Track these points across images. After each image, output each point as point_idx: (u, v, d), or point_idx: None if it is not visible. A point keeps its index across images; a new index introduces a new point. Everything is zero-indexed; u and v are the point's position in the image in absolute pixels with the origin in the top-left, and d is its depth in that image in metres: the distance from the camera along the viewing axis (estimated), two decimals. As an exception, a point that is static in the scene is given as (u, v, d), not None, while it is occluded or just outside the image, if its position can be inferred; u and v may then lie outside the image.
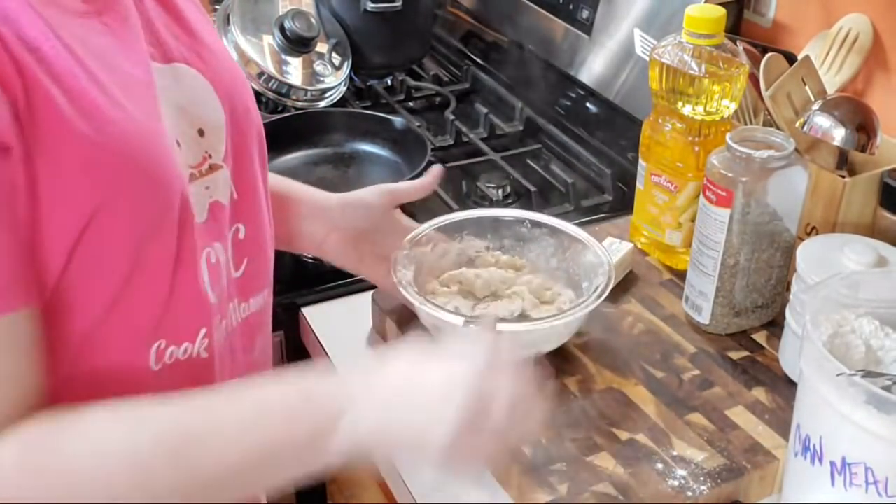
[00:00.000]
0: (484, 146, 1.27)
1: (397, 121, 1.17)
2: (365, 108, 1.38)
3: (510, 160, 1.23)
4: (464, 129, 1.31)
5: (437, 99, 1.44)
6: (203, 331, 0.69)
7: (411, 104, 1.43)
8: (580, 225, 0.94)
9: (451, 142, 1.30)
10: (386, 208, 0.92)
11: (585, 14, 1.32)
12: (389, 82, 1.47)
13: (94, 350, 0.63)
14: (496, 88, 1.44)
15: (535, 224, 0.92)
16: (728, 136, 0.83)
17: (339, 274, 1.02)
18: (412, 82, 1.44)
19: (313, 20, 1.32)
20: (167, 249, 0.65)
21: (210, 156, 0.71)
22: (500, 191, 1.19)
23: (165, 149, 0.64)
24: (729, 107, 0.89)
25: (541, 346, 0.82)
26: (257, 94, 1.29)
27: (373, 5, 1.34)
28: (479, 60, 1.53)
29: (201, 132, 0.70)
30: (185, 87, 0.70)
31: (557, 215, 1.09)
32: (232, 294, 0.74)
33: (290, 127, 1.19)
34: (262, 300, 0.79)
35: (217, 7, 1.35)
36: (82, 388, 0.63)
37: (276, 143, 1.18)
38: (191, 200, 0.66)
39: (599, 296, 0.80)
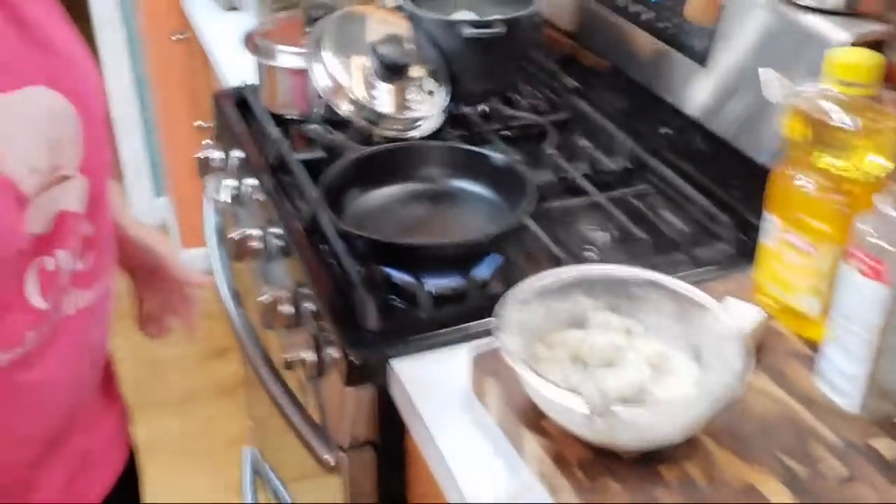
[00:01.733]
0: (586, 184, 1.18)
1: (497, 157, 1.10)
2: (459, 137, 1.31)
3: (615, 201, 1.14)
4: (564, 164, 1.23)
5: (534, 129, 1.36)
6: (29, 335, 0.75)
7: (506, 133, 1.36)
8: (694, 279, 0.86)
9: (551, 177, 1.22)
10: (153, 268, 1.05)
11: (701, 43, 1.23)
12: (485, 108, 1.40)
13: None
14: (598, 119, 1.36)
15: (651, 284, 0.84)
16: (877, 197, 0.74)
17: (433, 323, 0.96)
18: (508, 111, 1.36)
19: (409, 46, 1.25)
20: None
21: (61, 167, 0.74)
22: (605, 235, 1.11)
23: None
24: (883, 165, 0.79)
25: (667, 436, 0.74)
26: (347, 123, 1.24)
27: (471, 31, 1.27)
28: (578, 87, 1.45)
29: (55, 146, 0.73)
30: (38, 107, 0.72)
31: (668, 266, 1.01)
32: (73, 284, 0.79)
33: (383, 160, 1.12)
34: (103, 289, 0.85)
35: (309, 30, 1.29)
36: None
37: (368, 176, 1.12)
38: (25, 216, 0.71)
39: (741, 378, 0.72)
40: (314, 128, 1.23)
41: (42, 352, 0.78)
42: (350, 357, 0.92)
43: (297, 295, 1.10)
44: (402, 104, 1.26)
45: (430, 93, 1.30)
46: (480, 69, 1.34)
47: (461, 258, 0.99)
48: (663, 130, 1.32)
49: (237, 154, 1.37)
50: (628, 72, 1.40)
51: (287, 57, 1.28)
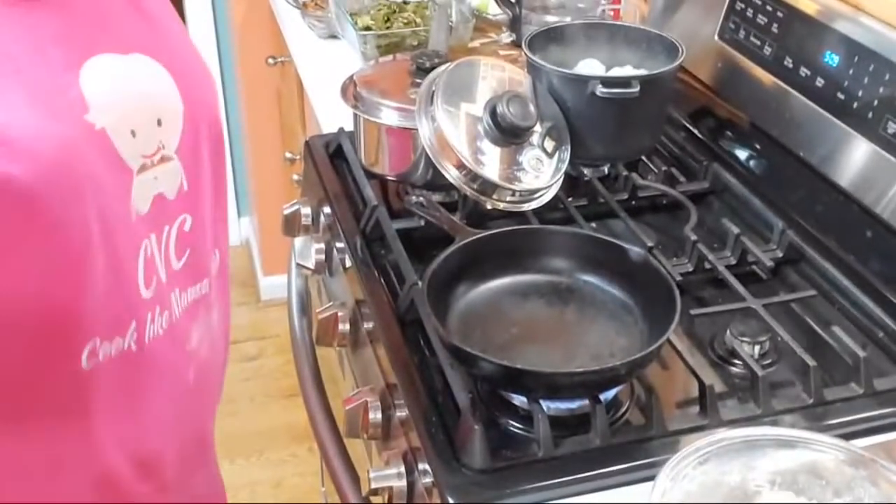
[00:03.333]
0: (735, 282, 0.99)
1: (634, 251, 0.92)
2: (578, 207, 1.14)
3: (773, 308, 0.95)
4: (705, 251, 1.04)
5: (665, 199, 1.18)
6: (133, 324, 0.72)
7: (633, 203, 1.18)
8: (876, 423, 0.67)
9: (691, 268, 1.04)
10: None
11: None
12: (606, 171, 1.22)
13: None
14: (742, 192, 1.17)
15: (838, 449, 0.66)
16: None
17: (552, 466, 0.79)
18: (636, 177, 1.18)
19: (532, 107, 1.08)
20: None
21: (163, 146, 0.74)
22: (756, 348, 0.92)
23: (82, 160, 0.65)
24: None
25: None
26: (453, 188, 1.07)
27: (604, 90, 1.09)
28: (716, 149, 1.26)
29: (159, 122, 0.74)
30: (144, 76, 0.73)
31: (842, 401, 0.82)
32: (173, 284, 0.76)
33: (496, 247, 0.95)
34: (199, 291, 0.81)
35: (417, 80, 1.13)
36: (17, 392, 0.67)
37: (477, 265, 0.95)
38: (132, 195, 0.70)
39: None
40: (417, 199, 1.07)
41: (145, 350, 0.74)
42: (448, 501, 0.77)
43: (387, 398, 0.94)
44: (517, 171, 1.09)
45: (549, 155, 1.13)
46: (608, 131, 1.16)
47: (589, 385, 0.82)
48: (819, 208, 1.12)
49: (327, 211, 1.22)
50: (772, 132, 1.20)
51: (391, 113, 1.12)
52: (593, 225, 1.12)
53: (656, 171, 1.22)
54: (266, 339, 2.58)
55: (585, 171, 1.20)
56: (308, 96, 1.64)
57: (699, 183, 1.21)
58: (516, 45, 1.56)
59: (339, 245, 1.16)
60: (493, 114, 1.08)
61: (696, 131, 1.31)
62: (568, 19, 1.54)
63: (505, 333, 0.89)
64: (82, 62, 0.68)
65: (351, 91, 1.17)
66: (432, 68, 1.13)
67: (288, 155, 1.96)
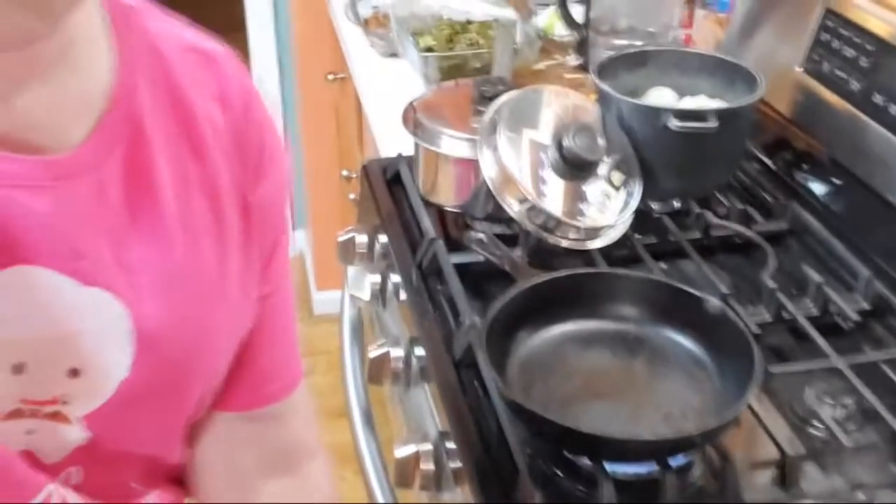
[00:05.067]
0: (817, 336, 0.92)
1: (710, 303, 0.86)
2: (647, 246, 1.08)
3: (859, 368, 0.88)
4: (785, 300, 0.97)
5: (739, 239, 1.11)
6: None
7: (706, 242, 1.11)
8: None
9: (769, 318, 0.97)
10: None
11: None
12: (677, 206, 1.16)
13: None
14: (823, 235, 1.09)
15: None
16: None
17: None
18: (709, 215, 1.11)
19: (599, 139, 1.02)
20: None
21: (65, 402, 0.58)
22: (840, 411, 0.85)
23: None
24: None
25: None
26: (514, 222, 1.02)
27: (679, 124, 1.03)
28: (795, 186, 1.19)
29: (74, 372, 0.58)
30: (87, 312, 0.58)
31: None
32: None
33: (560, 291, 0.90)
34: None
35: (480, 108, 1.08)
36: None
37: (540, 310, 0.90)
38: None
39: None
40: (476, 236, 1.02)
41: None
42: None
43: (439, 447, 0.89)
44: (583, 206, 1.03)
45: (616, 188, 1.07)
46: (681, 165, 1.10)
47: (659, 450, 0.76)
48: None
49: (383, 239, 1.18)
50: (857, 171, 1.12)
51: (451, 143, 1.07)
52: (662, 265, 1.06)
53: (730, 206, 1.15)
54: (317, 355, 2.53)
55: (654, 205, 1.14)
56: (366, 115, 1.60)
57: (777, 222, 1.14)
58: (583, 68, 1.51)
59: (395, 277, 1.11)
60: (558, 146, 1.02)
61: (772, 165, 1.24)
62: (637, 43, 1.48)
63: (568, 386, 0.84)
64: (9, 265, 0.55)
65: (411, 118, 1.12)
66: (496, 96, 1.08)
67: (345, 173, 1.92)
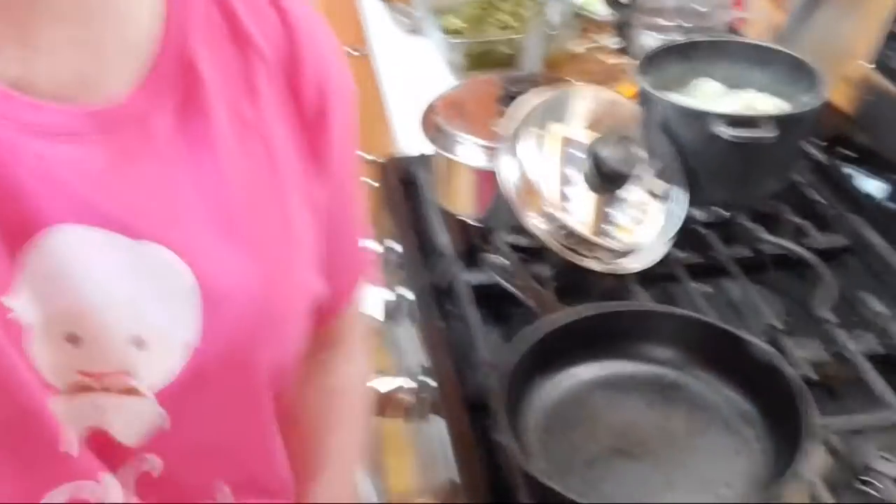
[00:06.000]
0: (878, 381, 0.81)
1: (758, 348, 0.75)
2: (686, 266, 0.97)
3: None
4: (840, 334, 0.86)
5: (792, 259, 0.99)
6: None
7: (753, 259, 0.99)
8: None
9: (826, 356, 0.86)
10: None
11: None
12: (724, 217, 1.04)
13: None
14: (887, 255, 0.97)
15: None
16: None
17: None
18: (763, 233, 0.99)
19: (636, 149, 0.91)
20: None
21: (132, 374, 0.53)
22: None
23: None
24: None
25: None
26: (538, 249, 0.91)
27: (729, 131, 0.91)
28: (859, 198, 1.06)
29: (140, 343, 0.53)
30: (144, 272, 0.52)
31: None
32: None
33: (589, 328, 0.79)
34: None
35: (505, 110, 0.97)
36: None
37: (567, 349, 0.80)
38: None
39: None
40: (498, 260, 0.91)
41: None
42: None
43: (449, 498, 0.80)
44: (618, 223, 0.92)
45: (658, 198, 0.96)
46: (730, 174, 0.98)
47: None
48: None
49: (397, 249, 1.08)
50: None
51: (472, 151, 0.97)
52: (705, 288, 0.95)
53: (782, 218, 1.03)
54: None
55: (697, 214, 1.02)
56: (385, 99, 1.49)
57: (834, 236, 1.02)
58: (625, 52, 1.38)
59: (407, 295, 1.01)
60: (593, 156, 0.91)
61: (831, 170, 1.11)
62: (685, 25, 1.36)
63: (594, 443, 0.73)
64: (46, 225, 0.50)
65: (431, 121, 1.02)
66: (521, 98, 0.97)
67: (363, 155, 1.82)
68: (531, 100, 0.95)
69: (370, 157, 1.84)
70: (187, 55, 0.55)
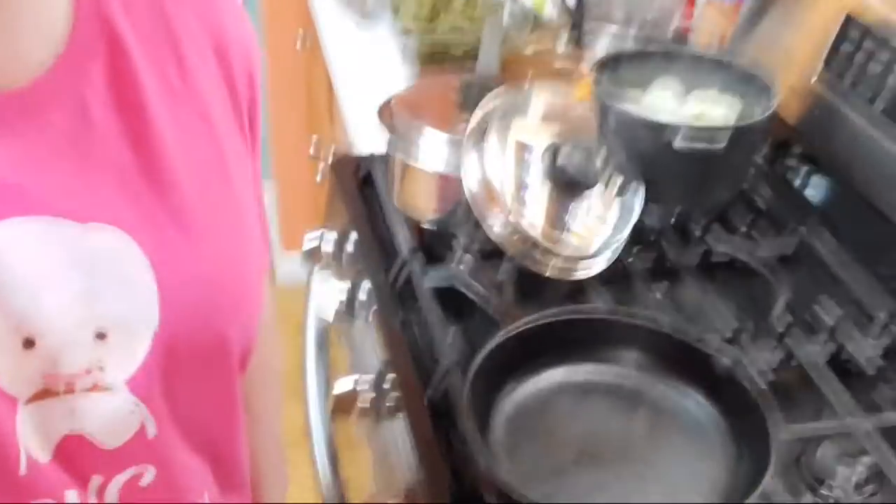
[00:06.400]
0: (837, 392, 0.83)
1: (720, 361, 0.76)
2: (644, 271, 0.98)
3: (886, 432, 0.79)
4: (796, 346, 0.88)
5: (743, 265, 1.01)
6: None
7: (704, 263, 1.01)
8: None
9: (781, 357, 0.88)
10: None
11: None
12: (677, 222, 1.05)
13: None
14: (836, 260, 1.00)
15: None
16: None
17: None
18: (715, 244, 1.00)
19: (597, 160, 0.92)
20: None
21: (99, 367, 0.50)
22: (853, 474, 0.77)
23: None
24: None
25: None
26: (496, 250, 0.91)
27: (684, 144, 0.93)
28: (807, 208, 1.09)
29: (100, 335, 0.50)
30: (95, 259, 0.50)
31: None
32: None
33: (550, 337, 0.80)
34: None
35: (464, 114, 0.97)
36: None
37: (529, 356, 0.80)
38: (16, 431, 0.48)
39: None
40: (458, 268, 0.91)
41: None
42: None
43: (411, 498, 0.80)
44: (573, 229, 0.93)
45: (617, 194, 0.97)
46: (684, 184, 1.00)
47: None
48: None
49: (353, 240, 1.07)
50: (879, 199, 1.01)
51: (431, 155, 0.96)
52: (659, 293, 0.96)
53: (734, 225, 1.05)
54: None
55: (650, 219, 1.03)
56: (336, 86, 1.48)
57: (785, 243, 1.04)
58: (575, 55, 1.39)
59: (366, 287, 1.00)
60: (551, 163, 0.92)
61: (781, 181, 1.14)
62: (632, 31, 1.38)
63: (559, 450, 0.74)
64: None
65: (386, 119, 1.01)
66: (481, 100, 0.97)
67: (312, 152, 1.80)
68: (490, 102, 0.95)
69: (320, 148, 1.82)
70: (104, 14, 0.53)
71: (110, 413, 0.52)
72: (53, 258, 0.49)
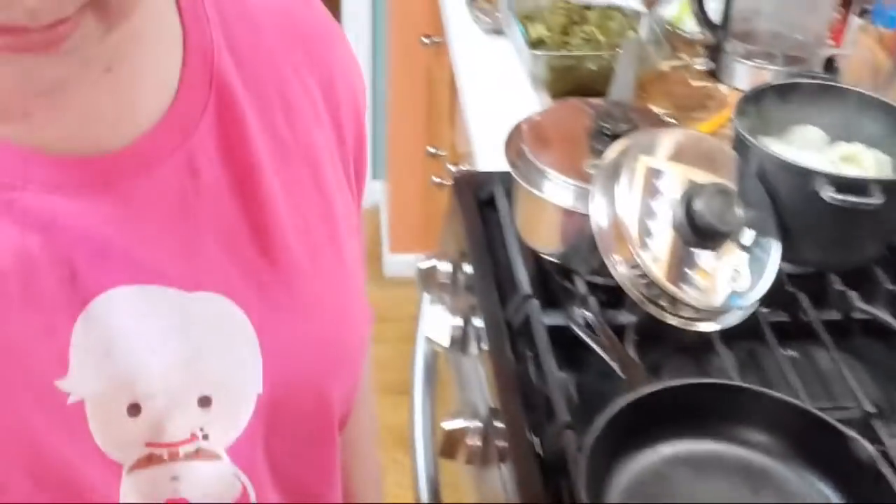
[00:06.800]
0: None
1: (857, 443, 0.71)
2: (772, 324, 0.92)
3: None
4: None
5: (881, 326, 0.94)
6: None
7: (846, 326, 0.93)
8: None
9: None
10: None
11: None
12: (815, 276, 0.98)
13: None
14: None
15: None
16: None
17: None
18: (858, 301, 0.93)
19: (737, 207, 0.86)
20: None
21: (203, 435, 0.50)
22: None
23: None
24: None
25: None
26: (620, 289, 0.87)
27: (834, 195, 0.86)
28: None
29: (205, 401, 0.50)
30: (200, 324, 0.49)
31: None
32: None
33: (676, 400, 0.75)
34: None
35: (598, 146, 0.92)
36: None
37: (651, 422, 0.76)
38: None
39: None
40: (582, 316, 0.88)
41: None
42: None
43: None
44: (703, 280, 0.88)
45: (746, 250, 0.91)
46: (828, 236, 0.93)
47: None
48: None
49: (468, 271, 1.04)
50: None
51: (558, 188, 0.92)
52: (791, 352, 0.91)
53: (879, 284, 0.97)
54: (386, 321, 2.42)
55: (787, 269, 0.97)
56: (460, 93, 1.45)
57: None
58: (713, 75, 1.33)
59: (478, 324, 0.98)
60: (687, 208, 0.87)
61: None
62: (775, 53, 1.30)
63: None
64: (96, 294, 0.46)
65: (515, 146, 0.97)
66: (617, 135, 0.92)
67: (431, 149, 1.78)
68: (627, 142, 0.90)
69: (440, 153, 1.81)
70: (212, 61, 0.50)
71: (213, 479, 0.52)
72: (159, 323, 0.48)
